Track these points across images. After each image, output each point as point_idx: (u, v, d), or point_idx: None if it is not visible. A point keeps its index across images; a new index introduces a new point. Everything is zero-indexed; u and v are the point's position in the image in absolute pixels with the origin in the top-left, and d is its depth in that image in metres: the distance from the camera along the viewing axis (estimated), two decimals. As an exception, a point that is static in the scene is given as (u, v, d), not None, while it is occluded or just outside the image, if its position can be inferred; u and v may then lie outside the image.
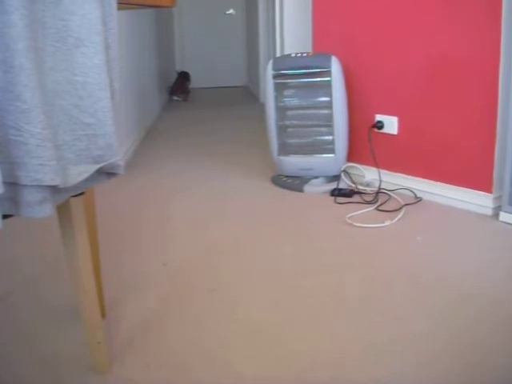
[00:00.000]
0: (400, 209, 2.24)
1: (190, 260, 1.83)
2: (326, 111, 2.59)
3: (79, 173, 0.95)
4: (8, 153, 0.84)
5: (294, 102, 2.66)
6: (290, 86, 2.66)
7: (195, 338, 1.34)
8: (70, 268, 1.14)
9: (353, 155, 2.72)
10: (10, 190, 0.86)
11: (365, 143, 2.64)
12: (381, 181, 2.51)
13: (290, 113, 2.68)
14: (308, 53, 2.61)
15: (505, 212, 2.07)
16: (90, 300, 1.14)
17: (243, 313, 1.47)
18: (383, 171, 2.56)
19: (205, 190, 2.65)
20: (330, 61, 2.50)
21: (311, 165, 2.65)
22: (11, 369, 1.23)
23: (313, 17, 2.86)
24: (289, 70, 2.60)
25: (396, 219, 2.13)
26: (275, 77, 2.62)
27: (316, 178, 2.66)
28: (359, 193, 2.49)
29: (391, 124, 2.53)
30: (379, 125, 2.57)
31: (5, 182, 0.84)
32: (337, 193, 2.48)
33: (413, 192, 2.45)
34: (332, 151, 2.61)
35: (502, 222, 2.07)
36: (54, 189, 0.91)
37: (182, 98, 6.57)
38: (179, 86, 6.63)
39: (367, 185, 2.61)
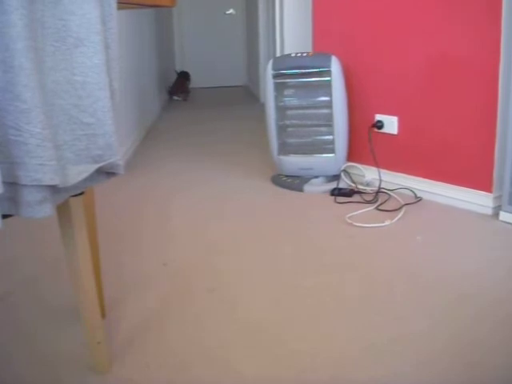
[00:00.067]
0: (400, 208, 2.24)
1: (189, 260, 1.83)
2: (325, 111, 2.59)
3: (79, 172, 0.95)
4: (8, 153, 0.84)
5: (294, 101, 2.66)
6: (290, 86, 2.66)
7: (195, 338, 1.34)
8: (70, 268, 1.14)
9: (353, 155, 2.72)
10: (10, 190, 0.86)
11: (365, 143, 2.64)
12: (381, 180, 2.51)
13: (289, 112, 2.68)
14: (308, 52, 2.61)
15: (505, 211, 2.07)
16: (89, 300, 1.14)
17: (243, 312, 1.47)
18: (383, 171, 2.56)
19: (205, 190, 2.65)
20: (329, 61, 2.50)
21: (311, 164, 2.65)
22: (11, 369, 1.23)
23: (313, 17, 2.86)
24: (289, 70, 2.60)
25: (396, 219, 2.13)
26: (275, 76, 2.62)
27: (316, 177, 2.66)
28: (359, 192, 2.49)
29: (391, 124, 2.53)
30: (379, 124, 2.57)
31: (4, 182, 0.84)
32: (337, 192, 2.48)
33: (413, 192, 2.45)
34: (332, 151, 2.61)
35: (502, 221, 2.07)
36: (54, 188, 0.91)
37: (182, 98, 6.57)
38: (179, 86, 6.63)
39: (367, 184, 2.61)
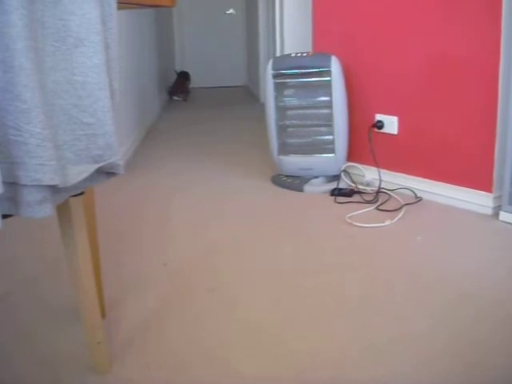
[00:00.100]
0: (400, 208, 2.24)
1: (190, 260, 1.83)
2: (325, 111, 2.59)
3: (79, 172, 0.95)
4: (8, 153, 0.84)
5: (294, 101, 2.66)
6: (290, 86, 2.66)
7: (195, 338, 1.34)
8: (70, 268, 1.14)
9: (353, 155, 2.72)
10: (10, 190, 0.86)
11: (365, 143, 2.64)
12: (381, 180, 2.51)
13: (289, 112, 2.68)
14: (308, 52, 2.61)
15: (505, 211, 2.07)
16: (89, 300, 1.14)
17: (243, 312, 1.47)
18: (383, 171, 2.56)
19: (205, 190, 2.65)
20: (329, 60, 2.50)
21: (311, 164, 2.65)
22: (11, 369, 1.23)
23: (313, 17, 2.86)
24: (289, 70, 2.60)
25: (396, 219, 2.13)
26: (275, 76, 2.62)
27: (316, 177, 2.66)
28: (359, 192, 2.49)
29: (391, 124, 2.53)
30: (379, 124, 2.57)
31: (4, 182, 0.84)
32: (337, 192, 2.48)
33: (413, 192, 2.45)
34: (332, 151, 2.61)
35: (502, 221, 2.07)
36: (54, 188, 0.91)
37: (182, 98, 6.57)
38: (179, 86, 6.63)
39: (367, 184, 2.61)
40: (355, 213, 2.21)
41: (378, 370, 1.19)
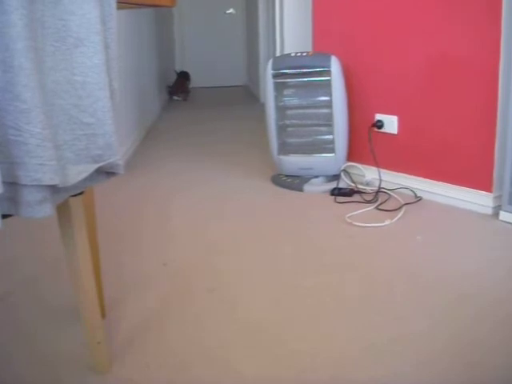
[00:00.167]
0: (400, 208, 2.24)
1: (190, 260, 1.83)
2: (325, 110, 2.59)
3: (78, 172, 0.95)
4: (8, 153, 0.84)
5: (294, 101, 2.66)
6: (290, 86, 2.66)
7: (195, 338, 1.34)
8: (70, 268, 1.14)
9: (353, 154, 2.72)
10: (10, 190, 0.86)
11: (365, 143, 2.64)
12: (381, 180, 2.51)
13: (289, 112, 2.68)
14: (308, 52, 2.61)
15: (505, 211, 2.07)
16: (89, 300, 1.14)
17: (243, 312, 1.47)
18: (383, 170, 2.56)
19: (205, 190, 2.65)
20: (329, 60, 2.50)
21: (311, 164, 2.65)
22: (11, 369, 1.23)
23: (313, 17, 2.86)
24: (289, 70, 2.60)
25: (396, 218, 2.13)
26: (275, 76, 2.62)
27: (316, 177, 2.66)
28: (359, 192, 2.49)
29: (391, 123, 2.53)
30: (379, 124, 2.57)
31: (4, 182, 0.84)
32: (337, 192, 2.48)
33: (413, 191, 2.45)
34: (332, 150, 2.61)
35: (502, 221, 2.07)
36: (54, 188, 0.91)
37: (182, 98, 6.57)
38: (179, 86, 6.63)
39: (367, 184, 2.61)
40: (355, 212, 2.21)
41: (378, 370, 1.19)
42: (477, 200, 2.20)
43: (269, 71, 2.63)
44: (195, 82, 7.51)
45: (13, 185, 0.86)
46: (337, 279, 1.65)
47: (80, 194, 1.05)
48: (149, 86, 4.88)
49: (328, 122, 2.59)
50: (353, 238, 1.98)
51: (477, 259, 1.76)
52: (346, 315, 1.43)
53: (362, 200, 2.40)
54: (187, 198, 2.54)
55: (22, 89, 0.82)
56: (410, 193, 2.45)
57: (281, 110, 2.67)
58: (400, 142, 2.51)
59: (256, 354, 1.27)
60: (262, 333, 1.36)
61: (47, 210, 0.89)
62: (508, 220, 2.05)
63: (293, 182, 2.64)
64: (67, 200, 1.05)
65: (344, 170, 2.65)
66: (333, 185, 2.55)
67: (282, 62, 2.64)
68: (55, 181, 0.88)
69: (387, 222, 2.10)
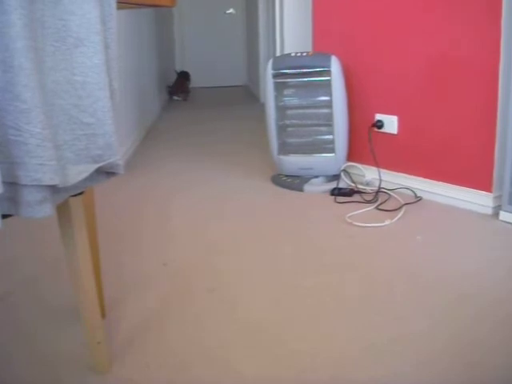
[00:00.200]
0: (400, 208, 2.24)
1: (190, 260, 1.83)
2: (325, 110, 2.59)
3: (78, 172, 0.95)
4: (8, 153, 0.84)
5: (294, 101, 2.66)
6: (290, 86, 2.66)
7: (195, 338, 1.34)
8: (70, 268, 1.14)
9: (353, 154, 2.72)
10: (10, 190, 0.86)
11: (365, 142, 2.64)
12: (381, 180, 2.51)
13: (289, 112, 2.68)
14: (308, 52, 2.61)
15: (505, 211, 2.07)
16: (89, 300, 1.14)
17: (243, 312, 1.47)
18: (383, 170, 2.56)
19: (205, 190, 2.65)
20: (329, 60, 2.50)
21: (311, 164, 2.65)
22: (11, 369, 1.23)
23: (313, 17, 2.86)
24: (289, 70, 2.60)
25: (396, 218, 2.13)
26: (275, 76, 2.62)
27: (316, 177, 2.66)
28: (359, 192, 2.49)
29: (391, 123, 2.53)
30: (379, 124, 2.57)
31: (4, 182, 0.84)
32: (337, 192, 2.48)
33: (413, 191, 2.45)
34: (332, 150, 2.61)
35: (502, 221, 2.07)
36: (54, 188, 0.91)
37: (182, 98, 6.57)
38: (179, 86, 6.63)
39: (367, 184, 2.61)
40: (355, 212, 2.21)
41: (378, 370, 1.19)
42: (477, 200, 2.20)
43: (269, 71, 2.63)
44: (195, 81, 7.51)
45: (13, 185, 0.86)
46: (337, 279, 1.65)
47: (80, 194, 1.05)
48: (149, 86, 4.88)
49: (328, 121, 2.59)
50: (353, 238, 1.98)
51: (477, 259, 1.76)
52: (346, 315, 1.43)
53: (362, 200, 2.40)
54: (187, 198, 2.54)
55: (22, 89, 0.82)
56: (410, 193, 2.45)
57: (281, 109, 2.67)
58: (400, 142, 2.51)
59: (256, 353, 1.27)
60: (262, 333, 1.36)
61: (47, 210, 0.89)
62: (508, 220, 2.05)
63: (293, 182, 2.64)
64: (67, 200, 1.05)
65: (344, 170, 2.65)
66: (333, 185, 2.55)
67: (282, 61, 2.64)
68: (55, 181, 0.88)
69: (387, 222, 2.10)
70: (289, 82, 2.64)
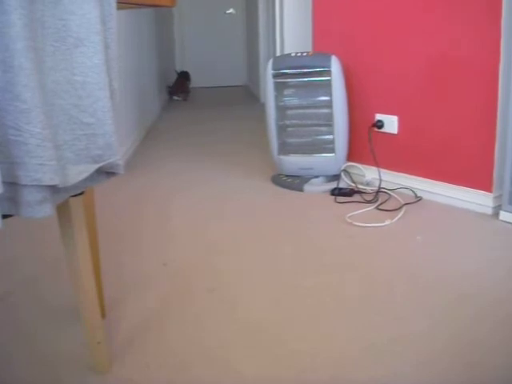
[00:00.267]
0: (400, 208, 2.24)
1: (190, 260, 1.83)
2: (326, 110, 2.59)
3: (79, 172, 0.95)
4: (8, 153, 0.84)
5: (294, 101, 2.66)
6: (290, 86, 2.66)
7: (195, 338, 1.34)
8: (70, 268, 1.14)
9: (353, 154, 2.72)
10: (10, 190, 0.86)
11: (365, 142, 2.64)
12: (381, 180, 2.51)
13: (290, 112, 2.68)
14: (308, 52, 2.61)
15: (505, 211, 2.07)
16: (90, 300, 1.14)
17: (243, 312, 1.47)
18: (383, 170, 2.56)
19: (205, 190, 2.65)
20: (329, 60, 2.50)
21: (311, 164, 2.65)
22: (11, 369, 1.23)
23: (313, 17, 2.86)
24: (289, 70, 2.60)
25: (396, 218, 2.13)
26: (275, 76, 2.62)
27: (316, 177, 2.66)
28: (359, 192, 2.49)
29: (391, 123, 2.53)
30: (379, 124, 2.57)
31: (4, 182, 0.84)
32: (337, 192, 2.48)
33: (413, 191, 2.45)
34: (332, 150, 2.61)
35: (502, 221, 2.07)
36: (54, 188, 0.91)
37: (182, 98, 6.57)
38: (179, 86, 6.63)
39: (367, 184, 2.61)
40: (355, 212, 2.21)
41: (378, 369, 1.19)
42: (477, 200, 2.20)
43: (269, 71, 2.63)
44: (195, 81, 7.51)
45: (13, 185, 0.86)
46: (337, 279, 1.65)
47: (80, 194, 1.05)
48: (149, 86, 4.88)
49: (328, 121, 2.59)
50: (353, 237, 1.98)
51: (477, 259, 1.76)
52: (346, 315, 1.43)
53: (362, 200, 2.40)
54: (187, 198, 2.54)
55: (22, 89, 0.82)
56: (410, 193, 2.45)
57: (281, 109, 2.67)
58: (400, 142, 2.51)
59: (256, 353, 1.27)
60: (262, 333, 1.36)
61: (47, 210, 0.89)
62: (508, 220, 2.05)
63: (293, 182, 2.64)
64: (67, 200, 1.05)
65: (344, 170, 2.65)
66: (333, 185, 2.55)
67: (282, 61, 2.64)
68: (55, 181, 0.88)
69: (387, 222, 2.10)
70: (289, 81, 2.64)
